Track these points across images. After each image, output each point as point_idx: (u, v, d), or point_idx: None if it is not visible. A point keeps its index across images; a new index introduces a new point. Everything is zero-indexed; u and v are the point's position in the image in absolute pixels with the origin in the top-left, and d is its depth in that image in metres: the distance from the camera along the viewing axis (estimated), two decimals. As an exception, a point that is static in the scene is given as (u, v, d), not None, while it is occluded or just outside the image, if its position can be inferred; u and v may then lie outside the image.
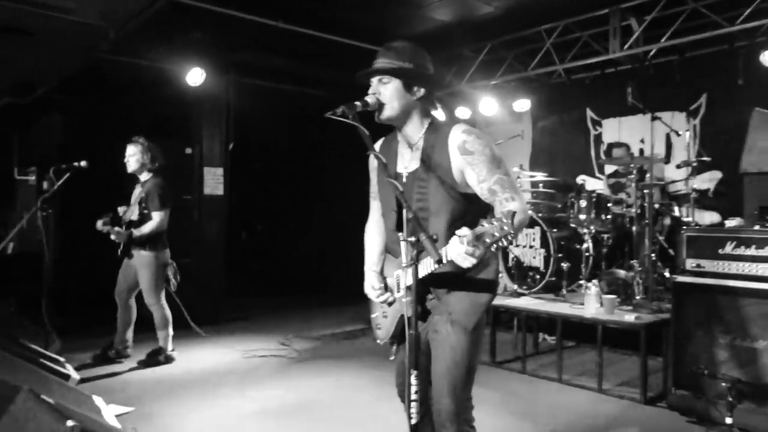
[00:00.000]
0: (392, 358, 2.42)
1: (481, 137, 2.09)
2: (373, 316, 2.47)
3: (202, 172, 7.04)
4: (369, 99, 2.12)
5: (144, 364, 4.92)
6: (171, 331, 5.06)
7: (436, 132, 2.17)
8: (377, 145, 2.37)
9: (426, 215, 2.12)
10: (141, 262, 4.89)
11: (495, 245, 1.69)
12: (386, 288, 2.38)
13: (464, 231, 1.72)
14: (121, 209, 5.03)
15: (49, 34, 5.23)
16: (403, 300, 2.20)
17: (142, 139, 4.98)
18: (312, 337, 6.32)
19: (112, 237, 4.85)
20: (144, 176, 5.01)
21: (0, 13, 4.77)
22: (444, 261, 1.85)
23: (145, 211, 4.89)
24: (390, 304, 2.35)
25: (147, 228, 4.84)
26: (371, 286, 2.40)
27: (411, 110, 2.18)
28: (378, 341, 2.45)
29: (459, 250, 1.74)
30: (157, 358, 4.98)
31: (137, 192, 5.04)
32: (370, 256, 2.49)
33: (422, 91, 2.17)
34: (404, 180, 2.21)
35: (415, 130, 2.21)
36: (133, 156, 4.93)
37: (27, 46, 5.44)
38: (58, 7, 4.77)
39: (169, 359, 5.04)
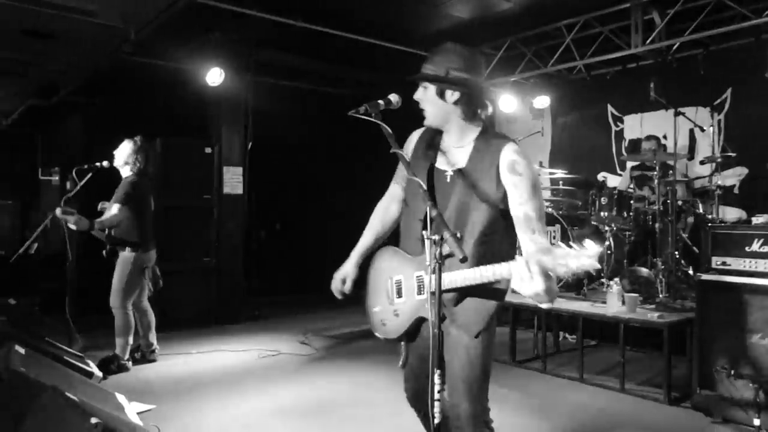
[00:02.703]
0: (400, 364, 2.36)
1: (530, 162, 2.13)
2: (375, 309, 2.38)
3: (221, 171, 7.08)
4: (392, 97, 2.11)
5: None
6: (131, 340, 4.79)
7: (487, 142, 2.16)
8: (417, 133, 2.34)
9: (464, 219, 2.11)
10: (119, 260, 4.76)
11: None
12: (357, 285, 2.42)
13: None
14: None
15: (72, 37, 5.31)
16: (426, 306, 2.12)
17: (141, 140, 4.90)
18: (331, 335, 6.34)
19: (70, 225, 4.53)
20: (125, 173, 4.88)
21: (25, 17, 4.85)
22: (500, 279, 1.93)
23: None
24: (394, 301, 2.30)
25: (104, 217, 4.66)
26: (343, 275, 2.46)
27: (448, 115, 2.17)
28: (377, 335, 2.37)
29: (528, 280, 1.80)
30: (109, 366, 4.68)
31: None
32: (363, 240, 2.52)
33: (456, 95, 2.13)
34: (448, 180, 2.19)
35: (459, 133, 2.20)
36: (121, 152, 4.83)
37: (51, 49, 5.52)
38: (80, 10, 4.84)
39: (122, 368, 4.74)
